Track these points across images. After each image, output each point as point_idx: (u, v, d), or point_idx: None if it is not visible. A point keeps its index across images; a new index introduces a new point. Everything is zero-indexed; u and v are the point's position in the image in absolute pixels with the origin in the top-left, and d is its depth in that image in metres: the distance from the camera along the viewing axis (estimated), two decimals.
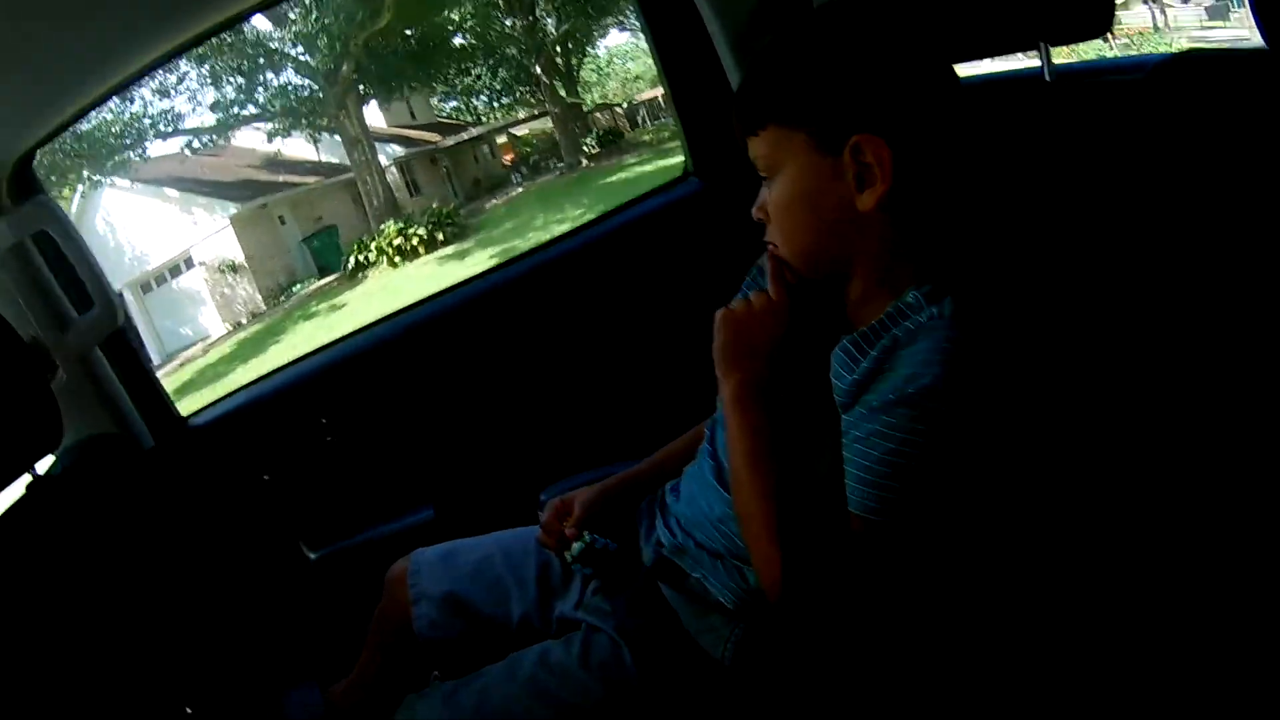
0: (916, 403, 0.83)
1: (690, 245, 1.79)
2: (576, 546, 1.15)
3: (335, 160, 18.40)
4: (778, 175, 0.92)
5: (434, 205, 16.90)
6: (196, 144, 18.55)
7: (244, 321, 16.68)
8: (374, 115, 18.94)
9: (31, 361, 1.19)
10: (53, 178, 16.53)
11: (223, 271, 16.70)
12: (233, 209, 16.58)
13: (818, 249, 0.93)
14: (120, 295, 1.48)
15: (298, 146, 18.70)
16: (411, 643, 1.26)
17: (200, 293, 17.11)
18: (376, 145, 17.70)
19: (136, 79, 1.42)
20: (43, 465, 1.24)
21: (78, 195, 17.08)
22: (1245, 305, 0.89)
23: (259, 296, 16.79)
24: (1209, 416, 0.92)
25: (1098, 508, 0.97)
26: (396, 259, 15.64)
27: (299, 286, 16.96)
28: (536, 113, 20.46)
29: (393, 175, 18.29)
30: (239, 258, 16.59)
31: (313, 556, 1.66)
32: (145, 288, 17.35)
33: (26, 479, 1.21)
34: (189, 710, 1.27)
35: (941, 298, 0.88)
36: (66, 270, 1.44)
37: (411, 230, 15.79)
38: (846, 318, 0.96)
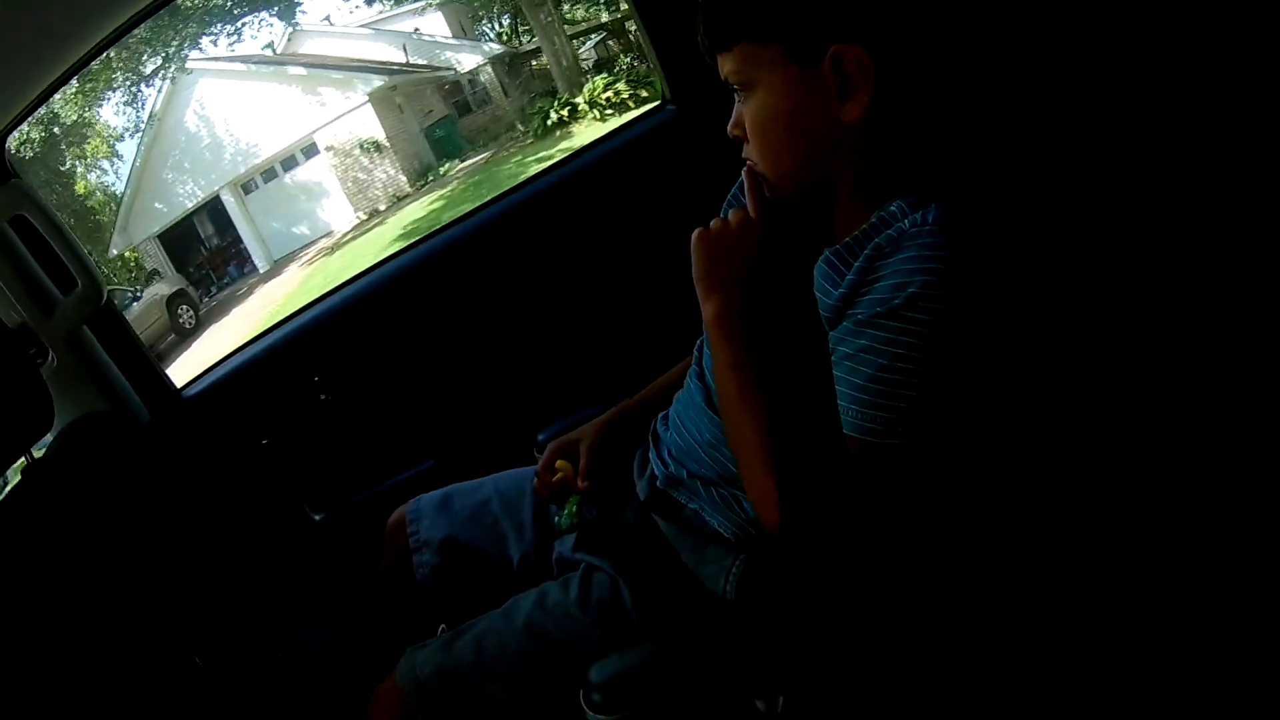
0: (904, 314, 0.79)
1: (672, 173, 1.75)
2: (564, 517, 1.14)
3: (423, 61, 17.57)
4: (753, 91, 0.87)
5: (634, 64, 15.71)
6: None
7: (383, 208, 15.54)
8: None
9: (20, 348, 1.19)
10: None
11: (363, 150, 15.51)
12: (377, 82, 15.44)
13: (800, 166, 0.88)
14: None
15: (383, 49, 17.51)
16: (415, 592, 1.26)
17: (320, 184, 15.99)
18: None
19: (101, 50, 1.41)
20: (38, 448, 1.24)
21: (163, 87, 16.27)
22: (1237, 220, 0.86)
23: (402, 177, 15.67)
24: (1194, 336, 0.90)
25: (1091, 425, 0.95)
26: (608, 111, 14.66)
27: (443, 168, 15.97)
28: None
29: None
30: (380, 136, 15.48)
31: (317, 518, 1.68)
32: (246, 188, 16.40)
33: (22, 463, 1.22)
34: (198, 660, 1.30)
35: (926, 205, 0.84)
36: (47, 253, 1.44)
37: (619, 85, 14.93)
38: (829, 231, 0.92)
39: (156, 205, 16.38)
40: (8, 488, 1.26)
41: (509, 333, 1.76)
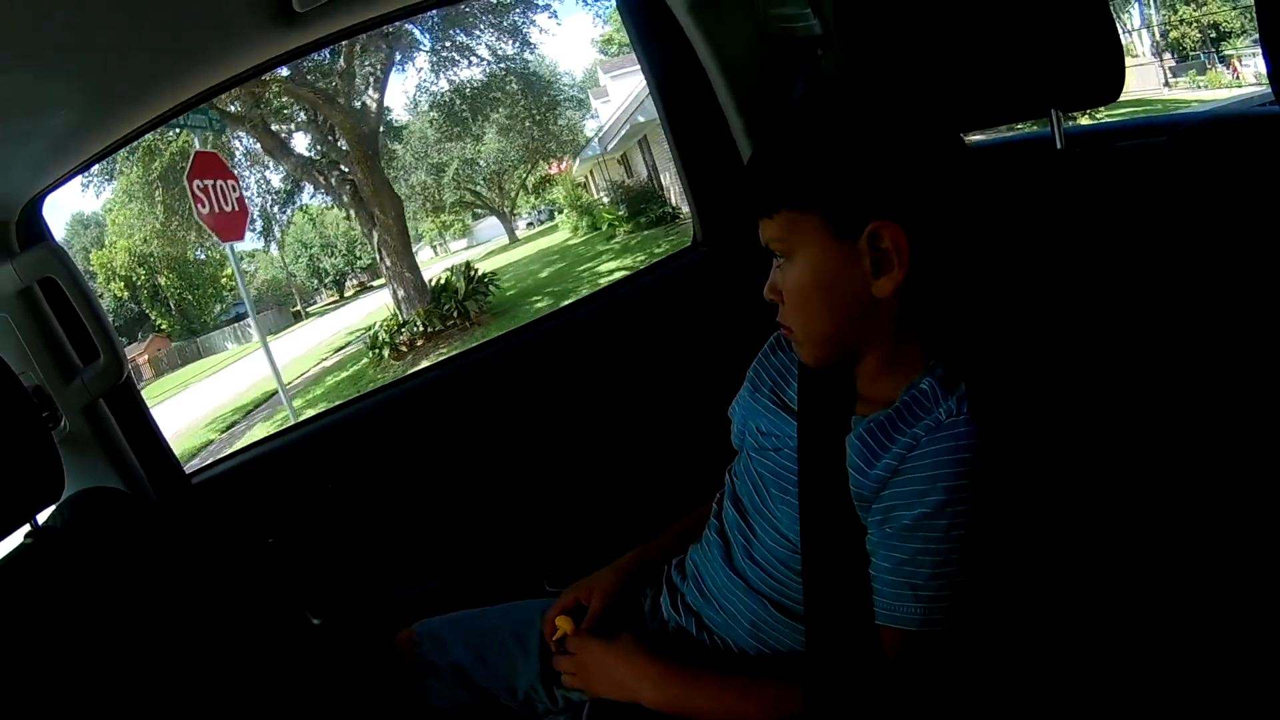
0: (933, 523, 0.84)
1: (698, 315, 1.77)
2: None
3: None
4: (792, 259, 0.90)
5: None
6: None
7: None
8: None
9: (34, 410, 1.13)
10: None
11: None
12: None
13: (834, 333, 0.92)
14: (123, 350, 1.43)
15: None
16: (415, 713, 1.22)
17: None
18: None
19: (148, 129, 1.42)
20: (43, 516, 1.18)
21: None
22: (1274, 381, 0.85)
23: None
24: (1237, 499, 0.86)
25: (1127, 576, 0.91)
26: None
27: None
28: None
29: None
30: None
31: (316, 621, 1.58)
32: None
33: (26, 529, 1.15)
34: None
35: (955, 382, 0.87)
36: (72, 319, 1.39)
37: None
38: (855, 398, 0.96)
39: None
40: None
41: (527, 460, 1.74)
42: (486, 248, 26.32)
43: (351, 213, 12.75)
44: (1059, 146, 1.05)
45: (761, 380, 1.08)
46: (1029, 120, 1.10)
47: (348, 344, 16.76)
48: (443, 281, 12.89)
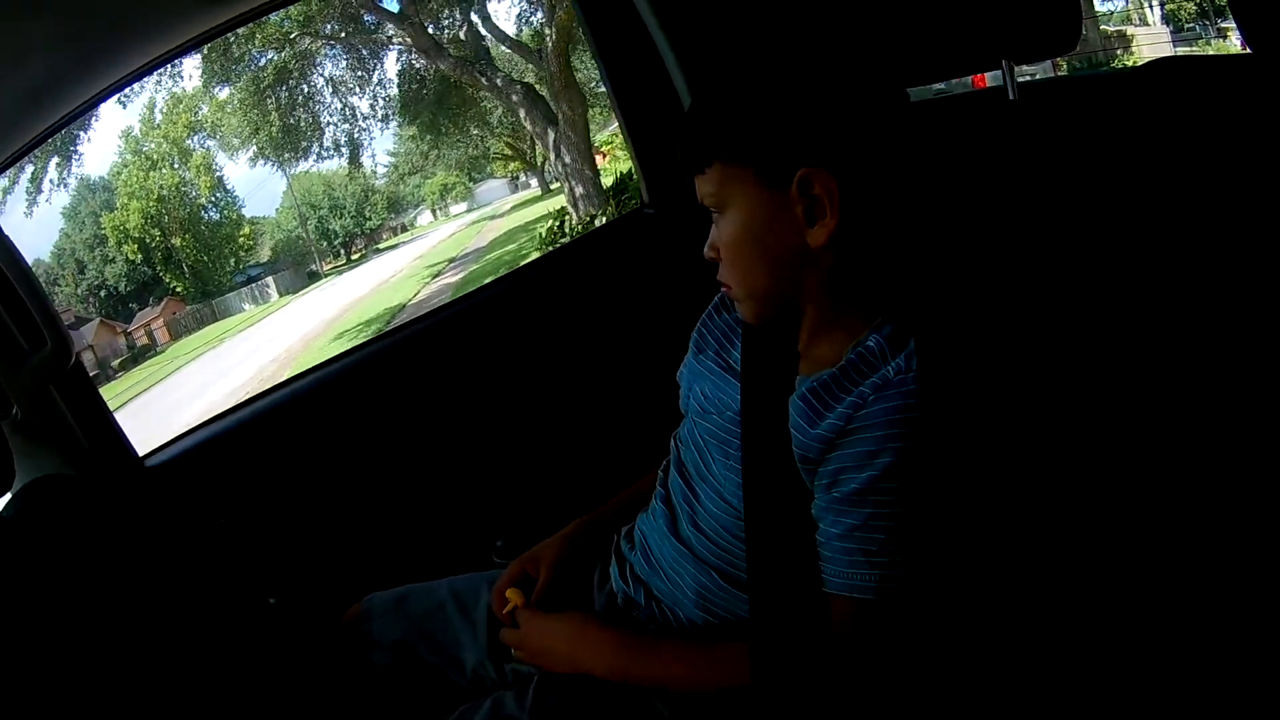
0: (885, 486, 0.84)
1: (645, 279, 1.78)
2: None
3: None
4: (726, 212, 0.91)
5: None
6: None
7: None
8: None
9: None
10: None
11: None
12: None
13: (769, 286, 0.92)
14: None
15: None
16: (363, 690, 1.22)
17: None
18: None
19: (92, 105, 1.40)
20: None
21: None
22: (1234, 318, 0.86)
23: None
24: (1203, 441, 0.88)
25: (1092, 524, 0.93)
26: None
27: None
28: None
29: None
30: None
31: (271, 601, 1.59)
32: None
33: None
34: None
35: (904, 340, 0.87)
36: (17, 305, 1.38)
37: None
38: (797, 358, 0.96)
39: None
40: None
41: (474, 429, 1.74)
42: (490, 209, 26.24)
43: (521, 113, 12.56)
44: (1011, 97, 1.05)
45: (705, 343, 1.09)
46: (981, 71, 1.11)
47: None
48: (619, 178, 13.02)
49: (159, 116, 18.96)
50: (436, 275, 17.62)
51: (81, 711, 1.12)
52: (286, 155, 16.50)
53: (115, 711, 1.16)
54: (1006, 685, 0.88)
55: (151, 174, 21.36)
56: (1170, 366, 0.88)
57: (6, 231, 1.34)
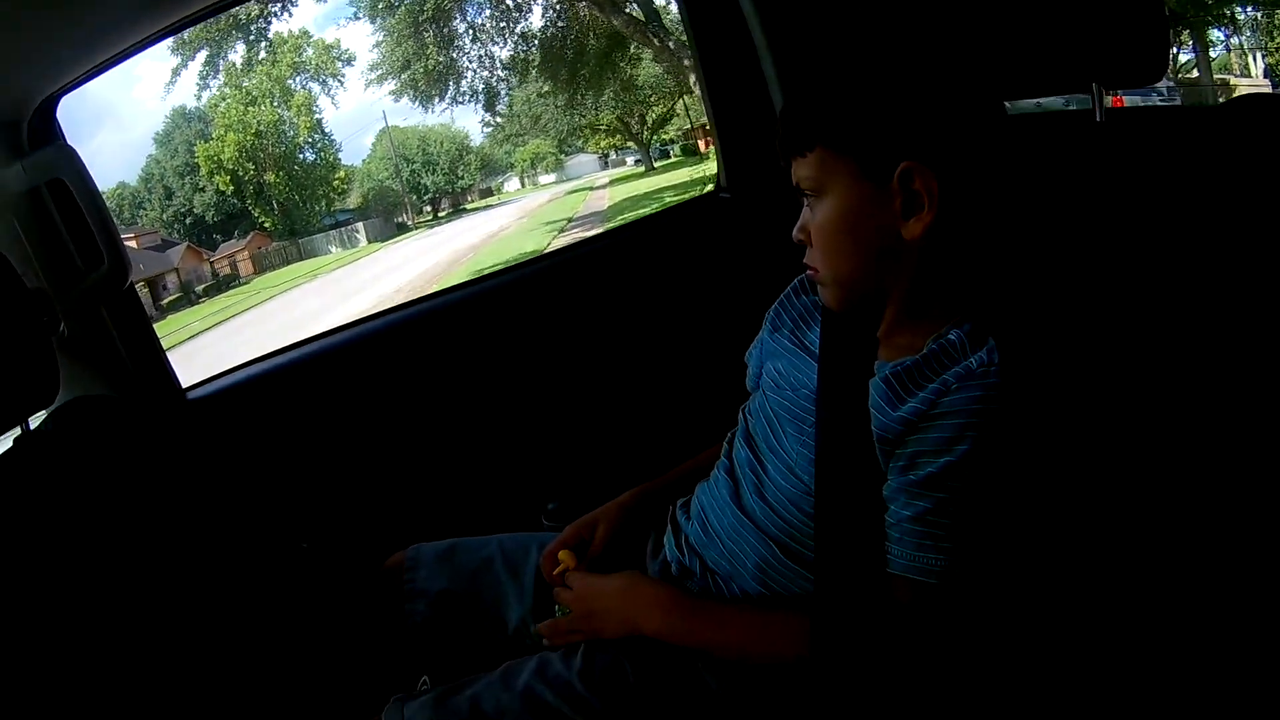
0: (960, 474, 0.85)
1: (716, 259, 1.78)
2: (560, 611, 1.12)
3: None
4: (822, 198, 0.91)
5: None
6: None
7: None
8: None
9: (34, 311, 1.14)
10: None
11: None
12: None
13: (858, 274, 0.93)
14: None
15: None
16: (401, 639, 1.22)
17: None
18: None
19: (174, 31, 1.39)
20: (35, 420, 1.19)
21: None
22: None
23: None
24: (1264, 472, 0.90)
25: (1146, 541, 0.95)
26: None
27: None
28: None
29: None
30: None
31: (305, 545, 1.58)
32: None
33: (16, 432, 1.16)
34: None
35: (982, 339, 0.88)
36: (79, 223, 1.38)
37: None
38: (876, 345, 0.96)
39: None
40: None
41: (534, 393, 1.73)
42: (583, 181, 26.33)
43: (692, 78, 12.72)
44: (1098, 119, 1.06)
45: (782, 321, 1.10)
46: (1071, 94, 1.13)
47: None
48: None
49: (262, 53, 19.31)
50: (561, 231, 17.54)
51: (95, 630, 1.12)
52: (433, 92, 16.43)
53: (130, 630, 1.16)
54: (1054, 674, 0.92)
55: (250, 109, 21.92)
56: (1248, 395, 0.90)
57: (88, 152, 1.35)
